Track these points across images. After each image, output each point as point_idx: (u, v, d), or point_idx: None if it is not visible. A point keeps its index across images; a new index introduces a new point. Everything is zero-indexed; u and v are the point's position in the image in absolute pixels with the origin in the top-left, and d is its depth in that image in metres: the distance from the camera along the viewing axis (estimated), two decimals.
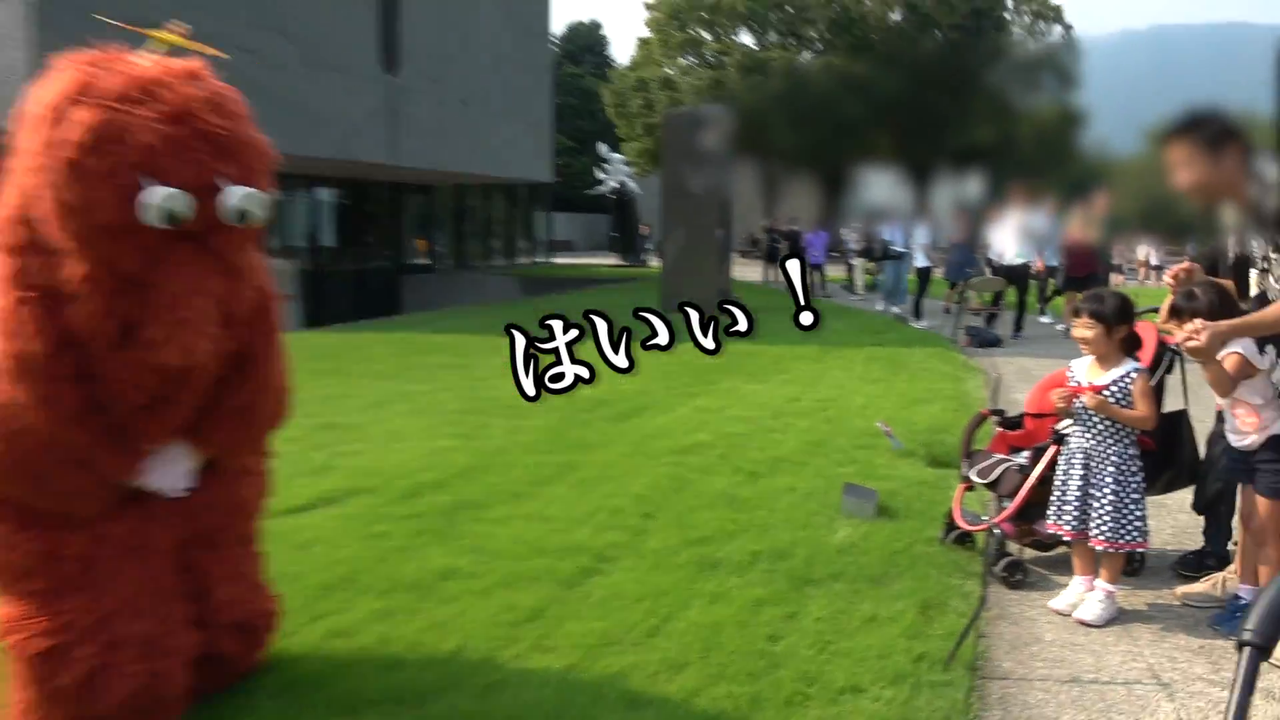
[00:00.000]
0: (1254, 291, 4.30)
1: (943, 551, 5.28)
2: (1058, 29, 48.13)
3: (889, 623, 4.32)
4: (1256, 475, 4.32)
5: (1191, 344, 3.87)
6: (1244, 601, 4.37)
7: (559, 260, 41.66)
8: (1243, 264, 4.34)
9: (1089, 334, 4.49)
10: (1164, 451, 4.83)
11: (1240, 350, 4.17)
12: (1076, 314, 4.58)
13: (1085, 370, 4.61)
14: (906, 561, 5.10)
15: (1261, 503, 4.26)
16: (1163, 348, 4.91)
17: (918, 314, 17.77)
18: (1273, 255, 4.07)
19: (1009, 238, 14.01)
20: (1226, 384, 4.18)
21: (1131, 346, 4.66)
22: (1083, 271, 14.80)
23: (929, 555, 5.22)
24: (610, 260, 39.38)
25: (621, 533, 5.47)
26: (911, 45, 39.75)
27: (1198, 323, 3.86)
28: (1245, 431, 4.30)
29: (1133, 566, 5.00)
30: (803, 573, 4.89)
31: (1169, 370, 4.94)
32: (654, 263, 31.78)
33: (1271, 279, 4.08)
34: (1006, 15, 46.41)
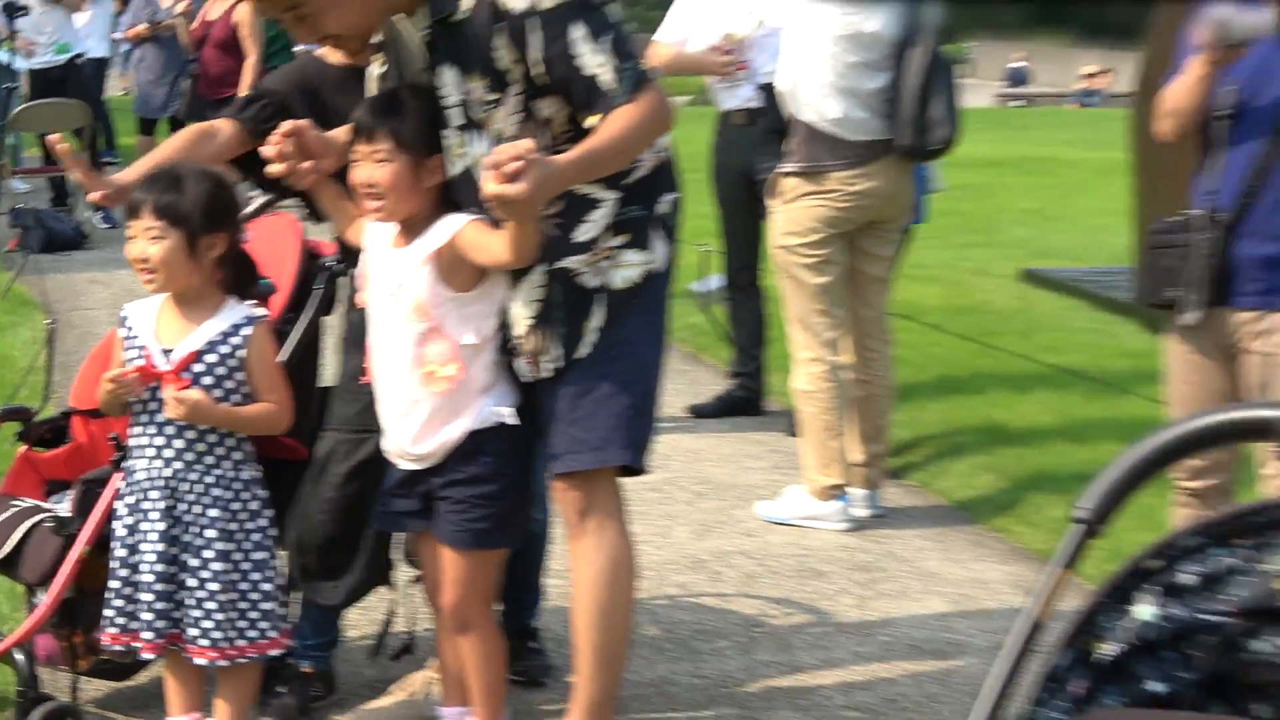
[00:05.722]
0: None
1: None
2: None
3: None
4: (442, 515, 3.08)
5: (511, 189, 2.61)
6: None
7: None
8: None
9: (153, 253, 2.93)
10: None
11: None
12: (133, 211, 3.01)
13: (153, 324, 3.08)
14: None
15: (448, 558, 3.14)
16: (311, 267, 3.48)
17: None
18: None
19: None
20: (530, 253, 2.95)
21: (244, 276, 3.19)
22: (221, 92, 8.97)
23: None
24: None
25: None
26: None
27: (525, 145, 2.63)
28: (430, 395, 2.99)
29: (297, 697, 3.50)
30: None
31: (325, 309, 3.51)
32: None
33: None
34: None
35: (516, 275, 3.00)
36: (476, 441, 2.96)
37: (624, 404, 3.00)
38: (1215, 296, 3.51)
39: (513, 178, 2.55)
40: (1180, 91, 3.50)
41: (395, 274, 2.96)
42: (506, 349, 3.04)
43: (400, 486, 3.05)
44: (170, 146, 3.43)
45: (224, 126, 3.41)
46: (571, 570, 3.18)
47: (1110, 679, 1.71)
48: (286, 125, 2.98)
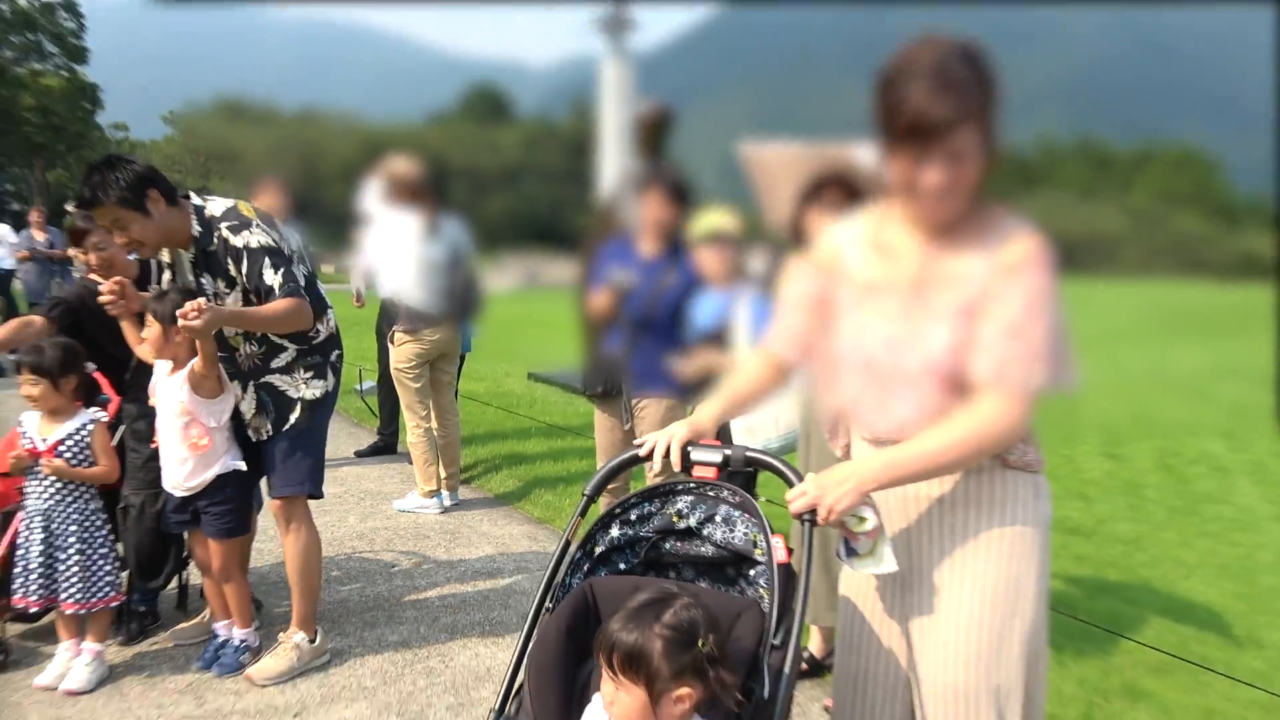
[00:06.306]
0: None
1: None
2: None
3: None
4: (203, 521, 3.63)
5: (194, 323, 3.13)
6: (222, 638, 3.80)
7: None
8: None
9: (34, 391, 3.47)
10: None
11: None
12: (17, 370, 3.51)
13: (37, 425, 3.56)
14: None
15: (213, 545, 3.66)
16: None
17: None
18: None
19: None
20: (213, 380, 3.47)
21: (92, 394, 3.73)
22: None
23: None
24: None
25: None
26: None
27: (200, 302, 3.14)
28: (193, 456, 3.52)
29: (138, 625, 4.04)
30: None
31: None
32: None
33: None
34: None
35: (244, 387, 3.53)
36: (222, 480, 3.57)
37: (311, 461, 3.63)
38: (628, 389, 4.11)
39: (195, 317, 3.11)
40: (596, 303, 4.03)
41: (170, 389, 3.50)
42: (243, 425, 3.61)
43: (178, 507, 3.61)
44: (7, 328, 3.82)
45: (36, 318, 3.85)
46: (285, 549, 3.69)
47: (600, 563, 2.13)
48: (118, 277, 3.48)
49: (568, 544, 2.09)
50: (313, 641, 3.71)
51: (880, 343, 1.93)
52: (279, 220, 3.54)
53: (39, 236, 12.50)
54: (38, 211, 13.16)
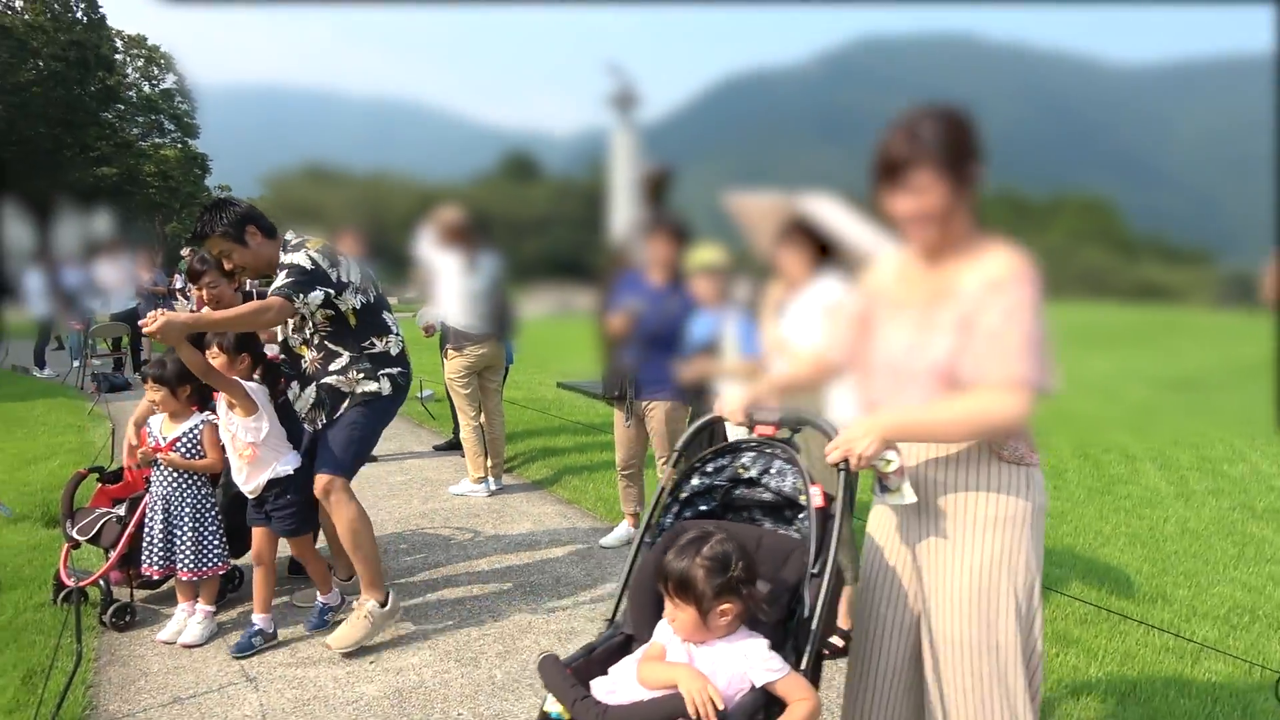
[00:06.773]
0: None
1: (54, 614, 3.71)
2: (171, 76, 39.18)
3: None
4: (271, 520, 3.47)
5: (152, 327, 2.94)
6: (257, 626, 3.52)
7: None
8: None
9: (156, 396, 3.51)
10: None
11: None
12: (144, 380, 3.55)
13: (160, 425, 3.59)
14: (9, 634, 3.52)
15: (289, 541, 3.52)
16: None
17: (41, 363, 12.03)
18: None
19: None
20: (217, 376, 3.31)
21: (205, 401, 3.68)
22: None
23: (38, 622, 3.64)
24: None
25: None
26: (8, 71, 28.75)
27: (156, 313, 2.97)
28: (244, 464, 3.38)
29: (234, 584, 4.02)
30: None
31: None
32: None
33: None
34: (117, 56, 35.13)
35: (304, 385, 3.41)
36: (282, 484, 3.43)
37: (349, 450, 3.43)
38: (632, 393, 4.17)
39: (150, 324, 2.94)
40: (613, 324, 4.03)
41: (223, 408, 3.46)
42: (302, 419, 3.49)
43: (256, 505, 3.51)
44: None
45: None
46: (335, 525, 3.44)
47: (686, 506, 2.16)
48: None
49: (661, 490, 2.15)
50: (383, 605, 3.51)
51: (902, 350, 1.97)
52: (354, 259, 3.47)
53: (145, 276, 12.62)
54: (147, 256, 13.29)
